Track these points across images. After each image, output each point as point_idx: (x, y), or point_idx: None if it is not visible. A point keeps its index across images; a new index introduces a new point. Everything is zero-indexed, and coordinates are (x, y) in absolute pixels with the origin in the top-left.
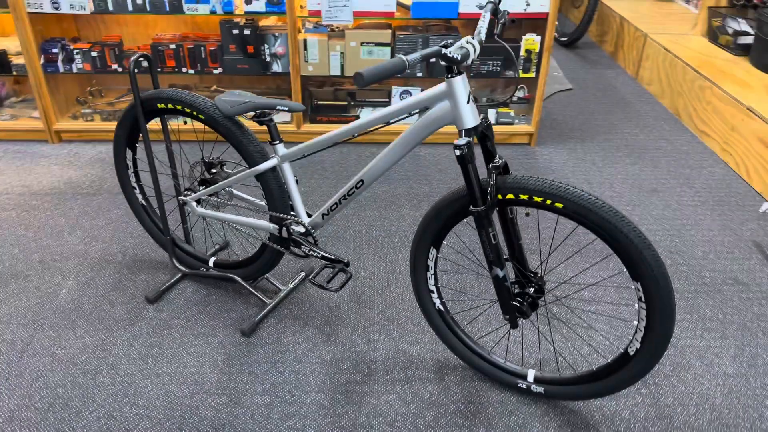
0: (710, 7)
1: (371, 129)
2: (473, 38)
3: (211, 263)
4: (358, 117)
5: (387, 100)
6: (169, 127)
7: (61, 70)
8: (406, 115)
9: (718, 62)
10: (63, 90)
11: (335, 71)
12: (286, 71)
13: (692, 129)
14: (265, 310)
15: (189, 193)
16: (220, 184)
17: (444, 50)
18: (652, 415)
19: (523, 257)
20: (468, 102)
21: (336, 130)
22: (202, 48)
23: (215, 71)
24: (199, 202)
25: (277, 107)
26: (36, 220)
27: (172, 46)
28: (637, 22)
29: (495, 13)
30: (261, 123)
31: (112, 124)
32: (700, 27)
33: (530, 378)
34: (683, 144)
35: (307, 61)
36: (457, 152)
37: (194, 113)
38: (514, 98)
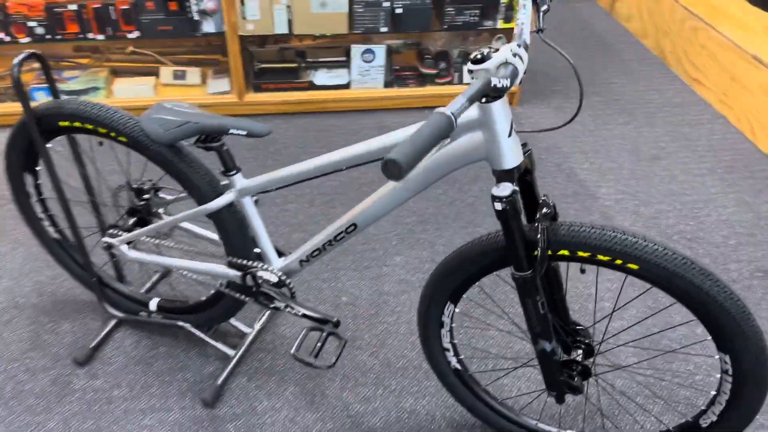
0: None
1: (361, 163)
2: (519, 45)
3: (153, 306)
4: (311, 82)
5: (345, 59)
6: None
7: None
8: None
9: None
10: None
11: (281, 29)
12: (220, 31)
13: (683, 76)
14: (230, 367)
15: (116, 231)
16: (158, 224)
17: (493, 80)
18: None
19: (566, 311)
20: (510, 134)
21: (314, 160)
22: (111, 8)
23: (130, 35)
24: (130, 242)
25: (230, 130)
26: None
27: (73, 7)
28: None
29: None
30: (208, 149)
31: (11, 106)
32: None
33: None
34: (675, 95)
35: (245, 18)
36: (499, 206)
37: (112, 134)
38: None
